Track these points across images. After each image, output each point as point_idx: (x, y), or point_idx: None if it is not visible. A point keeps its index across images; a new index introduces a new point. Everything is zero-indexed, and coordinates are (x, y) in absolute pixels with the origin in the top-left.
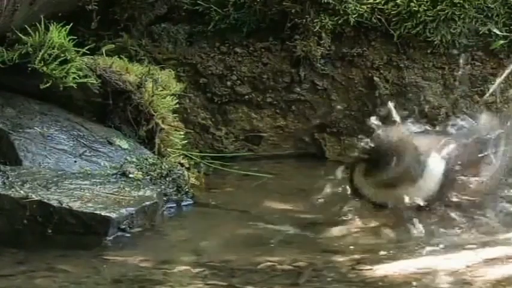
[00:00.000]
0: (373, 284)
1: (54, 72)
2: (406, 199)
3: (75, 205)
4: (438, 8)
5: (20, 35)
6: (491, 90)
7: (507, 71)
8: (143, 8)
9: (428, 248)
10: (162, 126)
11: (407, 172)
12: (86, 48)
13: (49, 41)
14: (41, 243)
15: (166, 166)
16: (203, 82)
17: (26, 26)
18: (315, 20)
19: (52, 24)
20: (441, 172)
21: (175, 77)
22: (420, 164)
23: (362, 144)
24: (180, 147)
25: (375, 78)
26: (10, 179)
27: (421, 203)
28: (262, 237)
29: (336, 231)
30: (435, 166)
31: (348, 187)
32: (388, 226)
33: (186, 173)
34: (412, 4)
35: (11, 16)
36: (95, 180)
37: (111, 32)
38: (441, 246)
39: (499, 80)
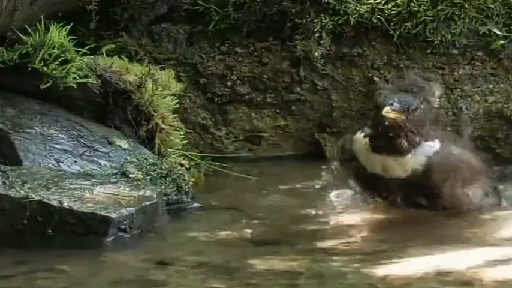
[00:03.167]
0: (373, 285)
1: (54, 72)
2: (395, 169)
3: (75, 205)
4: (438, 8)
5: (20, 35)
6: None
7: None
8: (143, 8)
9: (428, 249)
10: (162, 126)
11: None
12: (86, 48)
13: (49, 41)
14: (41, 243)
15: (167, 166)
16: (203, 82)
17: (26, 26)
18: (315, 20)
19: (52, 24)
20: (433, 152)
21: (175, 77)
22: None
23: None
24: (180, 147)
25: (375, 78)
26: (10, 179)
27: (404, 175)
28: (262, 238)
29: (336, 231)
30: (430, 146)
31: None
32: (388, 226)
33: (186, 173)
34: (412, 4)
35: (11, 16)
36: (95, 180)
37: (111, 32)
38: (441, 246)
39: None
